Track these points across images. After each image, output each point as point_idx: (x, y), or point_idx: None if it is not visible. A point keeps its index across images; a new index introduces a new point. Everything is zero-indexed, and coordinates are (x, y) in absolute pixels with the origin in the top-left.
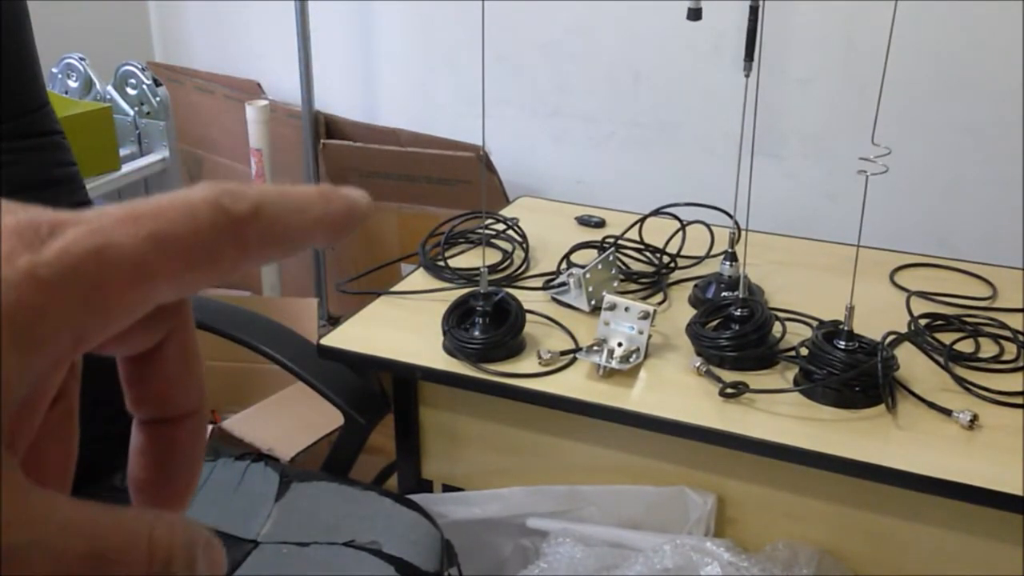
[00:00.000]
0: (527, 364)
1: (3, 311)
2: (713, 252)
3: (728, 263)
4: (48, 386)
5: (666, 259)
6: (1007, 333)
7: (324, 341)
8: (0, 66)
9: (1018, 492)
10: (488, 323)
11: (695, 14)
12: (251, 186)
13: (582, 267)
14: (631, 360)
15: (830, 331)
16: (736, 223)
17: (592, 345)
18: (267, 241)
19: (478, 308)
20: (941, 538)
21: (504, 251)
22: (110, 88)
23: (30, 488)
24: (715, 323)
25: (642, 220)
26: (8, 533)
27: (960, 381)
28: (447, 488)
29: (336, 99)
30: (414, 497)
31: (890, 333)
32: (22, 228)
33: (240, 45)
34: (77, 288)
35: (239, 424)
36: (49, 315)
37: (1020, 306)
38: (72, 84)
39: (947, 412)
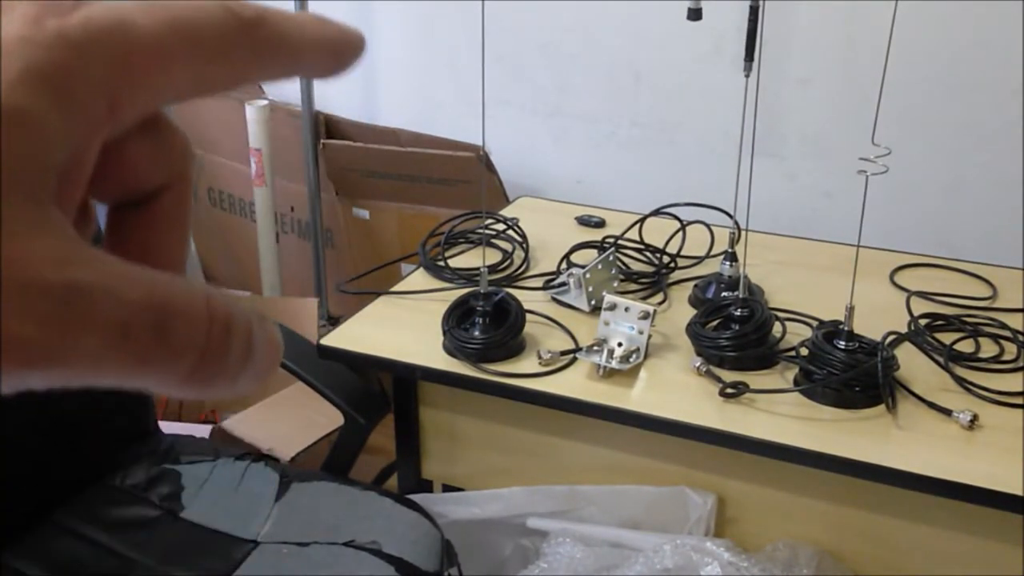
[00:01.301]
0: (527, 364)
1: (38, 68)
2: (713, 252)
3: (728, 263)
4: (87, 155)
5: (666, 259)
6: (1007, 333)
7: (324, 341)
8: None
9: (1018, 492)
10: (488, 323)
11: (695, 14)
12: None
13: (582, 267)
14: (631, 360)
15: (830, 331)
16: (736, 223)
17: (592, 345)
18: (272, 48)
19: (478, 308)
20: (941, 538)
21: (504, 251)
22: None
23: (83, 241)
24: (715, 323)
25: (642, 220)
26: (68, 269)
27: (960, 381)
28: (447, 488)
29: (336, 99)
30: (414, 497)
31: (890, 333)
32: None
33: None
34: (105, 52)
35: (239, 424)
36: (81, 74)
37: (1020, 306)
38: None
39: (947, 412)
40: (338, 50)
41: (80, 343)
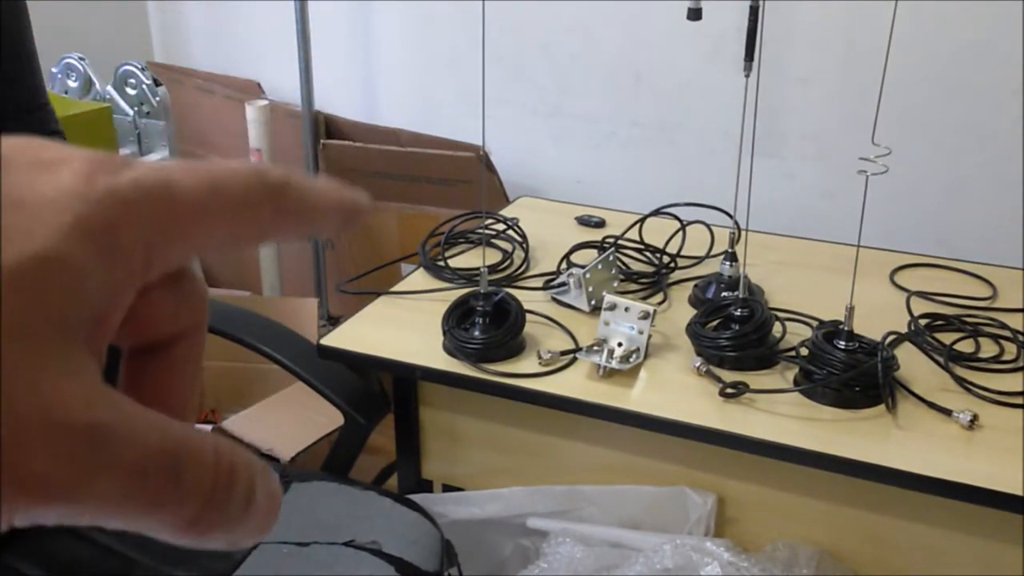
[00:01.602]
0: (527, 364)
1: (87, 221)
2: (713, 252)
3: (728, 263)
4: (121, 303)
5: (666, 259)
6: (1007, 333)
7: (324, 341)
8: (0, 66)
9: (1018, 492)
10: (488, 323)
11: (695, 14)
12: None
13: (582, 267)
14: (631, 360)
15: (830, 331)
16: (736, 223)
17: (592, 345)
18: (295, 210)
19: (478, 308)
20: (941, 538)
21: (504, 251)
22: (110, 88)
23: (104, 384)
24: (715, 323)
25: (642, 220)
26: (94, 411)
27: (960, 381)
28: (447, 488)
29: (336, 99)
30: (414, 497)
31: (890, 333)
32: (100, 158)
33: (240, 45)
34: (149, 209)
35: (239, 424)
36: (125, 228)
37: (1020, 306)
38: (72, 84)
39: (947, 412)
40: (349, 214)
41: (98, 483)
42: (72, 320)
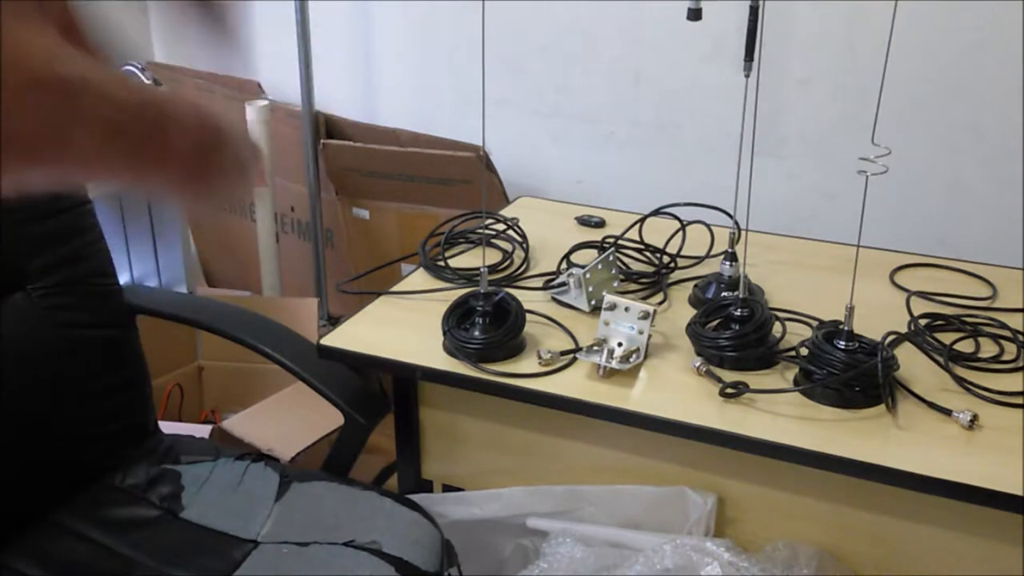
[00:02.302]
0: (527, 364)
1: None
2: (713, 252)
3: (728, 263)
4: None
5: (666, 259)
6: (1007, 333)
7: (324, 341)
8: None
9: (1018, 492)
10: (488, 323)
11: (695, 14)
12: None
13: (582, 267)
14: (631, 360)
15: (830, 331)
16: (736, 223)
17: (592, 345)
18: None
19: (478, 308)
20: (941, 538)
21: (504, 251)
22: None
23: (67, 47)
24: (715, 323)
25: (642, 220)
26: (58, 66)
27: (960, 381)
28: (447, 488)
29: (336, 99)
30: (414, 497)
31: (890, 333)
32: None
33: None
34: None
35: (239, 424)
36: None
37: (1020, 306)
38: None
39: (947, 412)
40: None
41: (76, 136)
42: None
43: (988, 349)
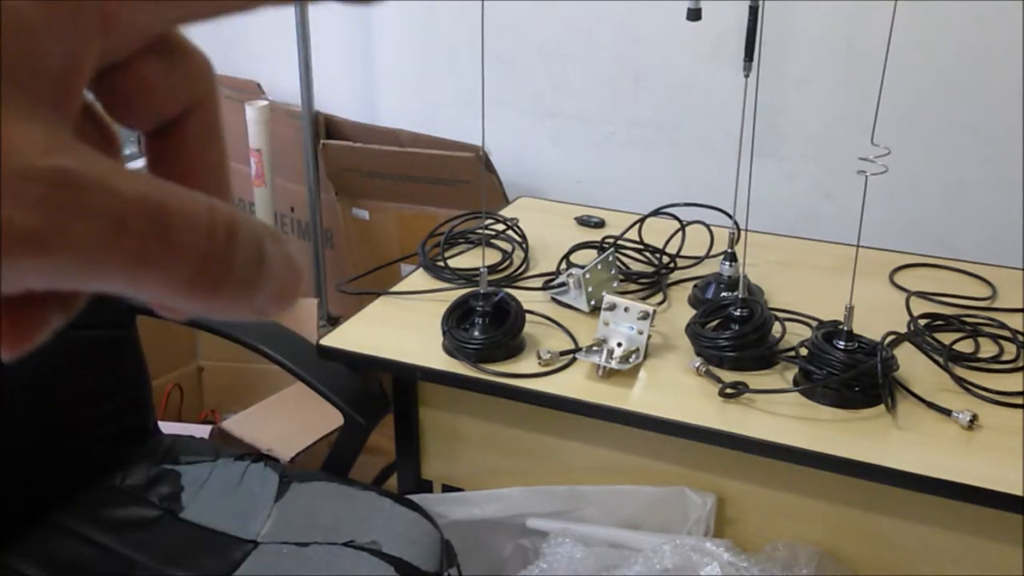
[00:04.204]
0: (527, 364)
1: None
2: (713, 252)
3: (728, 263)
4: (78, 59)
5: (666, 259)
6: (1007, 333)
7: (324, 341)
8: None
9: (1018, 492)
10: (488, 323)
11: (695, 14)
12: None
13: (582, 267)
14: (631, 360)
15: (830, 331)
16: (736, 223)
17: (592, 345)
18: None
19: (478, 308)
20: (941, 538)
21: (504, 251)
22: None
23: (73, 139)
24: (715, 323)
25: (642, 220)
26: (56, 156)
27: (960, 381)
28: (447, 488)
29: (336, 99)
30: (414, 497)
31: (890, 333)
32: None
33: (240, 45)
34: None
35: (239, 424)
36: None
37: (1020, 306)
38: None
39: (947, 412)
40: None
41: (73, 230)
42: (23, 74)
43: (988, 349)
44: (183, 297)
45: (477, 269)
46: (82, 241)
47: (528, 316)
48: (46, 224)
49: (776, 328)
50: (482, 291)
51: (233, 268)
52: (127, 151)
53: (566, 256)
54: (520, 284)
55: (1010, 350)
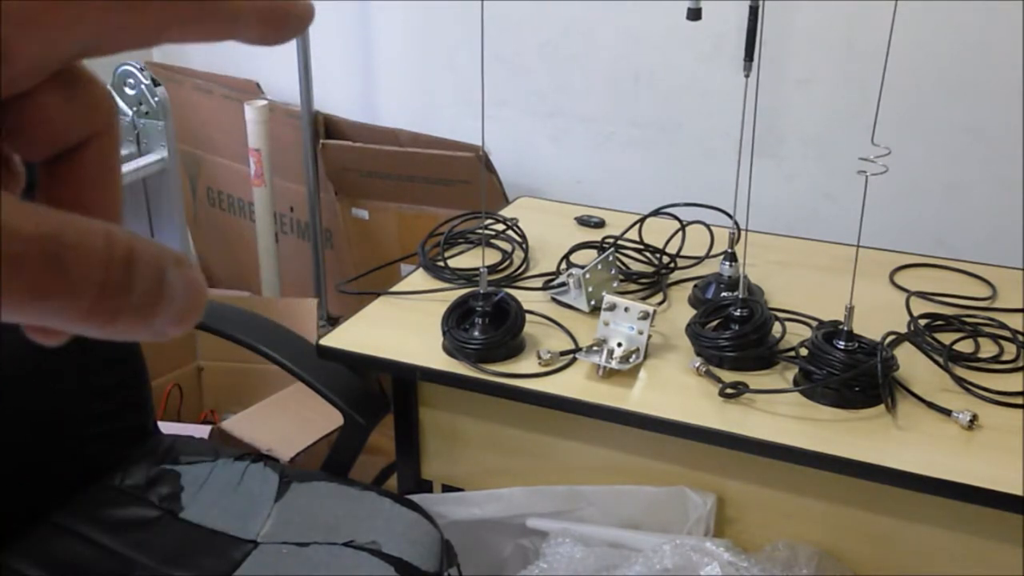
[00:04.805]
0: (527, 364)
1: None
2: (713, 252)
3: (728, 263)
4: None
5: (666, 259)
6: (1007, 333)
7: (324, 341)
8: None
9: (1018, 492)
10: (488, 323)
11: (695, 14)
12: None
13: (582, 267)
14: (631, 360)
15: (830, 331)
16: (736, 223)
17: (592, 345)
18: (197, 5)
19: (478, 308)
20: (941, 538)
21: (504, 251)
22: (108, 88)
23: None
24: (715, 323)
25: (642, 220)
26: None
27: (960, 381)
28: (447, 488)
29: (336, 99)
30: (414, 497)
31: (890, 333)
32: None
33: (239, 45)
34: None
35: (239, 424)
36: None
37: (1020, 306)
38: None
39: (947, 412)
40: (279, 18)
41: None
42: None
43: (988, 349)
44: (80, 325)
45: (477, 269)
46: None
47: (528, 316)
48: None
49: (776, 328)
50: (482, 291)
51: (131, 296)
52: (124, 151)
53: (566, 256)
54: (520, 284)
55: (1010, 350)
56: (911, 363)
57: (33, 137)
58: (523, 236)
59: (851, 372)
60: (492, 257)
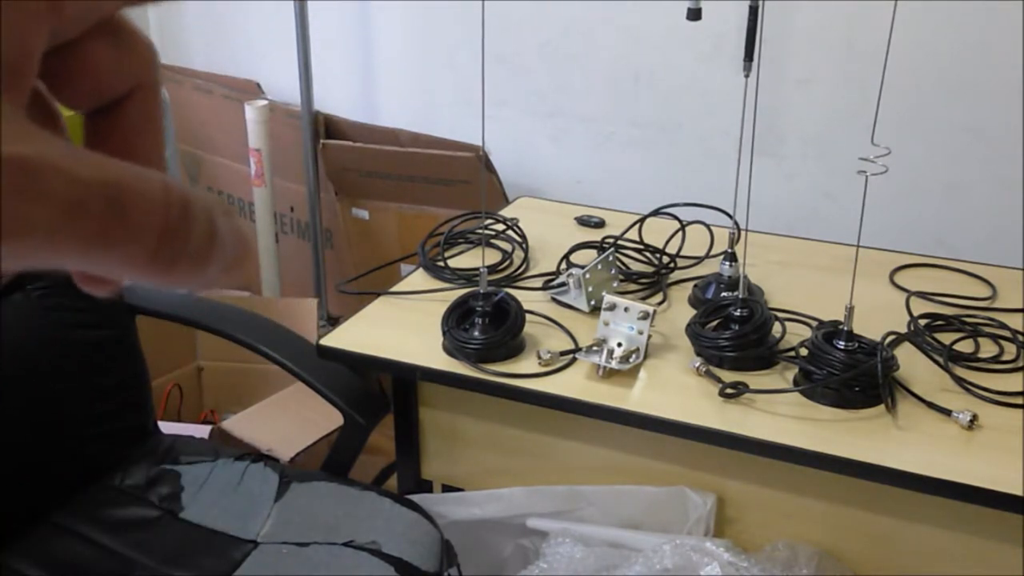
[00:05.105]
0: (527, 364)
1: None
2: (713, 252)
3: (728, 263)
4: (28, 45)
5: (666, 259)
6: (1007, 333)
7: (324, 341)
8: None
9: (1018, 492)
10: (488, 323)
11: (695, 14)
12: None
13: (582, 267)
14: (631, 360)
15: (830, 331)
16: (736, 223)
17: (592, 345)
18: None
19: (478, 308)
20: (941, 538)
21: (504, 251)
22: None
23: (31, 123)
24: (715, 323)
25: (642, 220)
26: (12, 145)
27: (960, 381)
28: (447, 488)
29: (336, 99)
30: (414, 497)
31: (890, 333)
32: None
33: (239, 45)
34: None
35: (239, 424)
36: None
37: (1020, 306)
38: None
39: (947, 412)
40: None
41: (35, 216)
42: None
43: (988, 349)
44: (141, 272)
45: (477, 269)
46: (41, 226)
47: (528, 316)
48: (8, 211)
49: (776, 328)
50: (482, 291)
51: (189, 242)
52: None
53: (566, 256)
54: (520, 284)
55: (1010, 350)
56: (911, 363)
57: (80, 87)
58: (523, 236)
59: (851, 372)
60: (492, 257)
